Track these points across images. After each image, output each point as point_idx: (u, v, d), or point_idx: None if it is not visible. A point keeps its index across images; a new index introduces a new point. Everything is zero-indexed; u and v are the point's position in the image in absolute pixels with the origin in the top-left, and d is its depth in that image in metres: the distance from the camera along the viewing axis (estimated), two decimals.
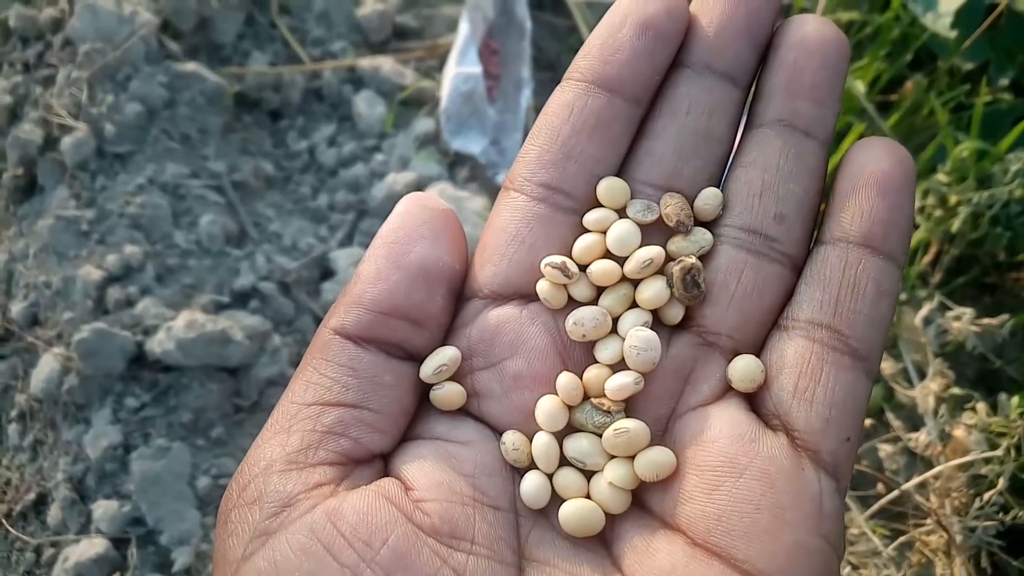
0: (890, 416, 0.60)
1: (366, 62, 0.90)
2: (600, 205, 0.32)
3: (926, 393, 0.59)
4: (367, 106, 0.88)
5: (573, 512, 0.29)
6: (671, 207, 0.31)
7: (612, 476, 0.30)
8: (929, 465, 0.58)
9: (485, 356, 0.31)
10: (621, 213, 0.32)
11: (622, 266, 0.32)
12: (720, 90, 0.32)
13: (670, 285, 0.31)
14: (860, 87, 0.74)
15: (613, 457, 0.30)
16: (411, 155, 0.85)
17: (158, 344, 0.71)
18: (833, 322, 0.30)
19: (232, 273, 0.78)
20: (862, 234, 0.30)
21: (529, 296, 0.31)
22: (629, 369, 0.30)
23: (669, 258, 0.32)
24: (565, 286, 0.31)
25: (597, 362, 0.31)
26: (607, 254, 0.32)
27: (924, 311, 0.62)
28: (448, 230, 0.31)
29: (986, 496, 0.54)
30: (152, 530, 0.68)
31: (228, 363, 0.72)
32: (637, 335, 0.30)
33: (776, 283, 0.31)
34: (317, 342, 0.30)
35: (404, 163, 0.85)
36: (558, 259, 0.31)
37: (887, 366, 0.61)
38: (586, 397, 0.31)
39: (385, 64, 0.90)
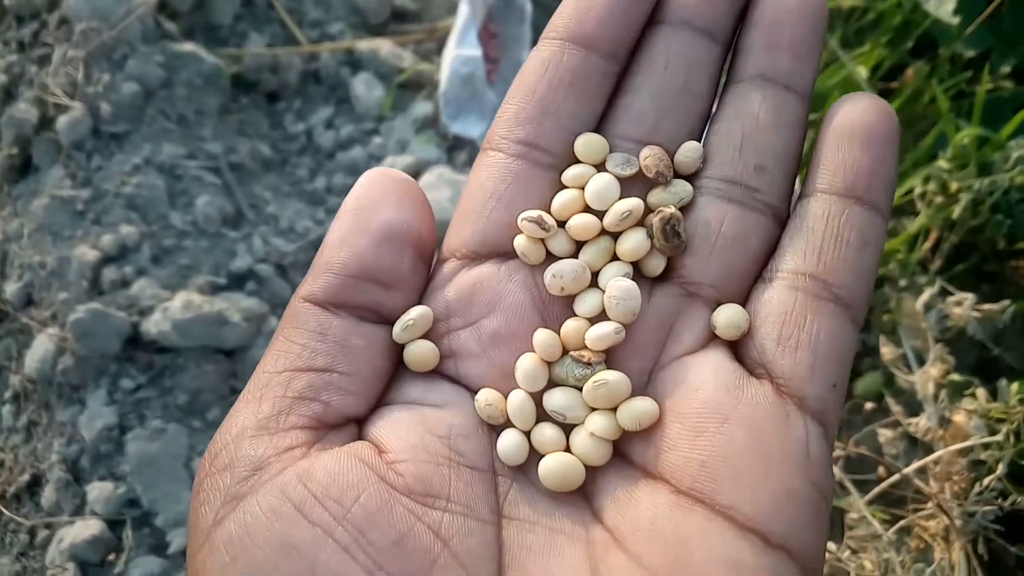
0: (890, 401, 0.60)
1: (364, 44, 0.90)
2: (579, 162, 0.32)
3: (926, 379, 0.59)
4: (365, 89, 0.87)
5: (553, 466, 0.29)
6: (650, 159, 0.31)
7: (593, 427, 0.29)
8: (929, 450, 0.58)
9: (463, 316, 0.31)
10: (600, 168, 0.32)
11: (602, 220, 0.31)
12: (699, 45, 0.32)
13: (650, 236, 0.31)
14: (862, 73, 0.74)
15: (594, 410, 0.30)
16: (409, 138, 0.85)
17: (154, 325, 0.71)
18: (817, 271, 0.29)
19: (229, 255, 0.78)
20: (846, 185, 0.30)
21: (507, 254, 0.31)
22: (610, 321, 0.30)
23: (649, 210, 0.31)
24: (543, 241, 0.31)
25: (577, 317, 0.31)
26: (586, 209, 0.31)
27: (925, 296, 0.62)
28: (412, 197, 0.31)
29: (985, 481, 0.54)
30: (147, 512, 0.68)
31: (224, 345, 0.71)
32: (617, 285, 0.30)
33: (758, 232, 0.31)
34: (288, 312, 0.30)
35: (402, 146, 0.85)
36: (534, 213, 0.30)
37: (887, 352, 0.61)
38: (566, 352, 0.30)
39: (384, 47, 0.90)
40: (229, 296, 0.74)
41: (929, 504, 0.55)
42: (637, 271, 0.31)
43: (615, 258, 0.31)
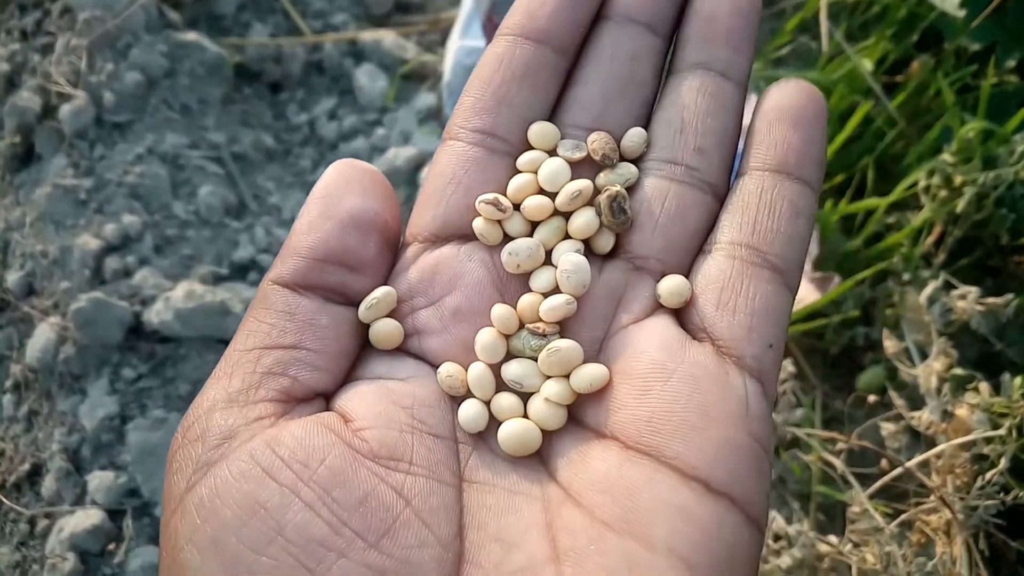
0: (893, 395, 0.60)
1: (368, 35, 0.89)
2: (532, 148, 0.34)
3: (929, 372, 0.59)
4: (368, 80, 0.87)
5: (511, 432, 0.30)
6: (597, 143, 0.33)
7: (548, 393, 0.31)
8: (931, 444, 0.57)
9: (425, 295, 0.32)
10: (552, 153, 0.34)
11: (554, 201, 0.33)
12: (642, 39, 0.34)
13: (599, 214, 0.33)
14: (867, 66, 0.74)
15: (548, 378, 0.31)
16: (412, 130, 0.85)
17: (156, 315, 0.71)
18: (752, 240, 0.31)
19: (231, 245, 0.78)
20: (777, 162, 0.32)
21: (467, 236, 0.33)
22: (562, 294, 0.32)
23: (598, 191, 0.33)
24: (500, 222, 0.33)
25: (533, 292, 0.33)
26: (539, 191, 0.33)
27: (928, 290, 0.62)
28: (377, 186, 0.32)
29: (987, 476, 0.54)
30: (148, 501, 0.68)
31: (226, 335, 0.71)
32: (568, 260, 0.32)
33: (699, 208, 0.33)
34: (258, 294, 0.31)
35: (405, 138, 0.84)
36: (491, 195, 0.32)
37: (890, 345, 0.61)
38: (523, 325, 0.32)
39: (387, 37, 0.89)
40: (231, 286, 0.74)
41: (931, 498, 0.55)
42: (588, 249, 0.33)
43: (567, 237, 0.33)
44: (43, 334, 0.72)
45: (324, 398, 0.31)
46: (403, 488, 0.28)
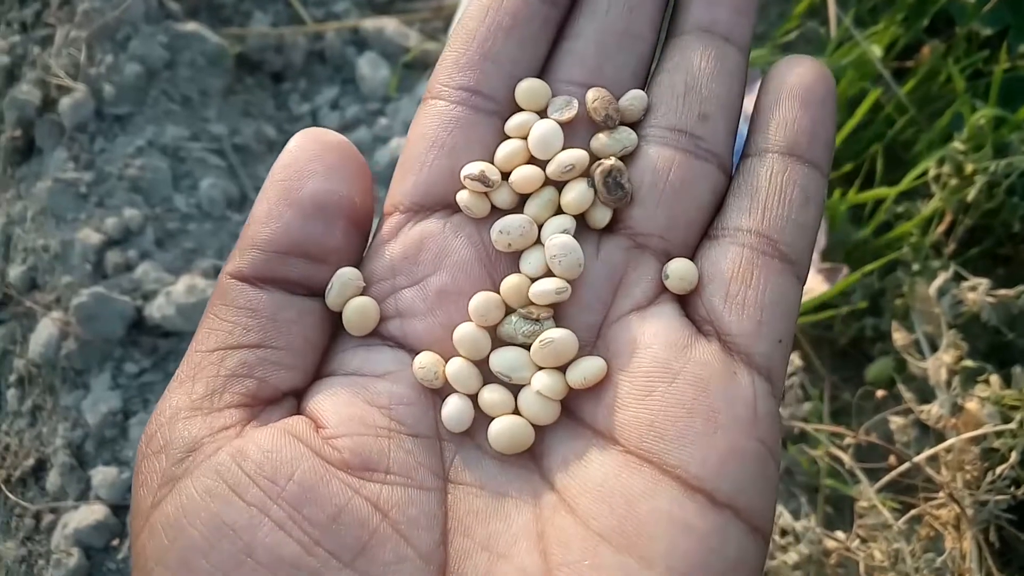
0: (902, 388, 0.59)
1: (370, 23, 0.88)
2: (521, 110, 0.31)
3: (939, 365, 0.58)
4: (371, 69, 0.86)
5: (501, 429, 0.29)
6: (598, 101, 0.31)
7: (540, 385, 0.29)
8: (941, 438, 0.57)
9: (408, 274, 0.30)
10: (542, 115, 0.31)
11: (545, 169, 0.31)
12: None
13: (593, 187, 0.30)
14: (876, 52, 0.73)
15: (540, 369, 0.30)
16: None
17: (158, 309, 0.70)
18: (762, 228, 0.30)
19: (233, 238, 0.77)
20: (787, 144, 0.31)
21: (452, 206, 0.31)
22: (555, 278, 0.30)
23: (593, 157, 0.31)
24: (487, 194, 0.31)
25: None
26: (530, 159, 0.31)
27: (938, 281, 0.61)
28: (344, 162, 0.30)
29: (998, 470, 0.53)
30: None
31: None
32: (555, 243, 0.30)
33: (704, 181, 0.31)
34: (217, 289, 0.29)
35: (408, 127, 0.84)
36: (476, 169, 0.30)
37: (899, 337, 0.60)
38: (510, 309, 0.30)
39: (389, 25, 0.88)
40: None
41: (940, 493, 0.54)
42: (583, 223, 0.31)
43: (560, 211, 0.31)
44: (45, 329, 0.72)
45: (294, 396, 0.29)
46: (379, 499, 0.27)
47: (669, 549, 0.26)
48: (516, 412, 0.29)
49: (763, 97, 0.32)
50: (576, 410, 0.29)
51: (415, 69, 0.88)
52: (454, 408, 0.29)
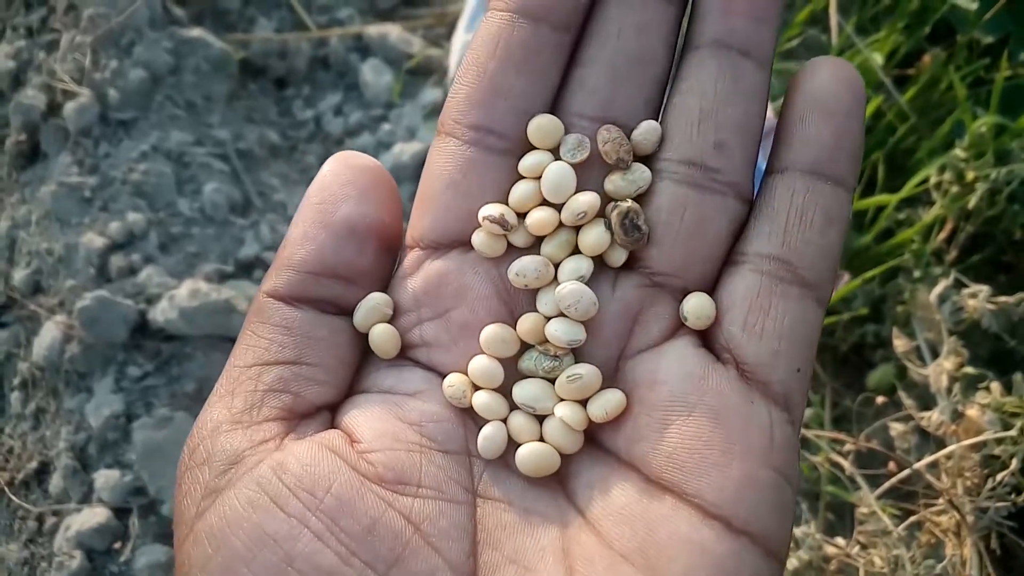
0: (902, 394, 0.59)
1: (373, 30, 0.89)
2: (533, 146, 0.31)
3: (939, 372, 0.58)
4: (374, 75, 0.87)
5: (529, 455, 0.29)
6: (609, 144, 0.30)
7: (563, 416, 0.30)
8: (941, 445, 0.57)
9: (432, 307, 0.31)
10: (556, 152, 0.31)
11: (560, 214, 0.31)
12: (651, 8, 0.30)
13: (609, 229, 0.30)
14: (877, 60, 0.73)
15: (562, 400, 0.30)
16: (418, 125, 0.84)
17: (161, 313, 0.71)
18: (781, 253, 0.29)
19: (236, 243, 0.78)
20: (808, 161, 0.29)
21: (469, 243, 0.31)
22: (569, 322, 0.30)
23: (607, 199, 0.31)
24: (504, 235, 0.31)
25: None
26: (544, 200, 0.31)
27: (939, 288, 0.61)
28: (376, 186, 0.30)
29: (998, 477, 0.53)
30: (154, 500, 0.68)
31: (231, 333, 0.71)
32: (565, 291, 0.30)
33: (721, 216, 0.30)
34: (253, 307, 0.30)
35: (411, 133, 0.84)
36: (495, 211, 0.30)
37: (900, 344, 0.60)
38: (526, 345, 0.31)
39: (392, 32, 0.89)
40: (236, 284, 0.74)
41: (941, 500, 0.54)
42: (600, 262, 0.31)
43: (577, 250, 0.31)
44: (49, 332, 0.72)
45: (329, 410, 0.30)
46: (411, 512, 0.27)
47: (686, 571, 0.26)
48: (541, 439, 0.30)
49: (786, 108, 0.30)
50: (599, 438, 0.30)
51: (418, 75, 0.88)
52: (489, 435, 0.30)
